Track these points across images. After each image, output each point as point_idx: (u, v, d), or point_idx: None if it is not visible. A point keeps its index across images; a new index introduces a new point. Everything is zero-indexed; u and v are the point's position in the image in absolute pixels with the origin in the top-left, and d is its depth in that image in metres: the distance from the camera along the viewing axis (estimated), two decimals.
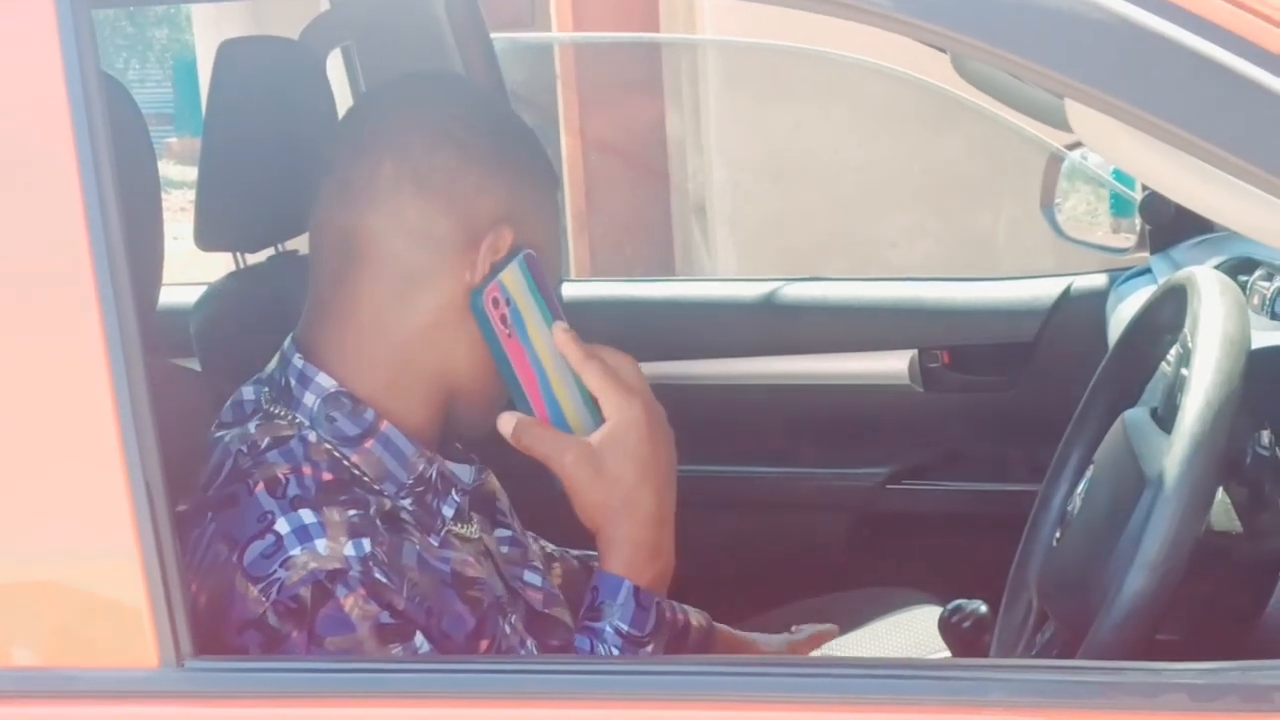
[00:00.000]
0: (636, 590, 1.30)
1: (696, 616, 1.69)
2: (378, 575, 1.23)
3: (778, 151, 5.48)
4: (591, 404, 1.32)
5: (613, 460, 1.29)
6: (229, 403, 1.38)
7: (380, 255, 1.31)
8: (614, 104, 6.29)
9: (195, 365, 1.94)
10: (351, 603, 1.21)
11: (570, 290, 2.63)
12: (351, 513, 1.26)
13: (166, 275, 1.52)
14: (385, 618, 1.21)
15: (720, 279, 5.04)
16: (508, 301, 1.31)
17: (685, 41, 6.01)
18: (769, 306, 2.58)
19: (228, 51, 1.87)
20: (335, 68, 2.38)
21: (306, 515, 1.24)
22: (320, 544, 1.22)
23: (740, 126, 5.54)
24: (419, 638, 1.24)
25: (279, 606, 1.20)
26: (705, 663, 1.33)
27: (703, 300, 2.67)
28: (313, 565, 1.21)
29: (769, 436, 2.55)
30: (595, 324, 2.55)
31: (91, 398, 1.10)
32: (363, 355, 1.33)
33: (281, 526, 1.24)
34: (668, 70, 6.26)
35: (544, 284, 1.34)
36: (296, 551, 1.22)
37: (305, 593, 1.21)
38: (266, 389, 1.36)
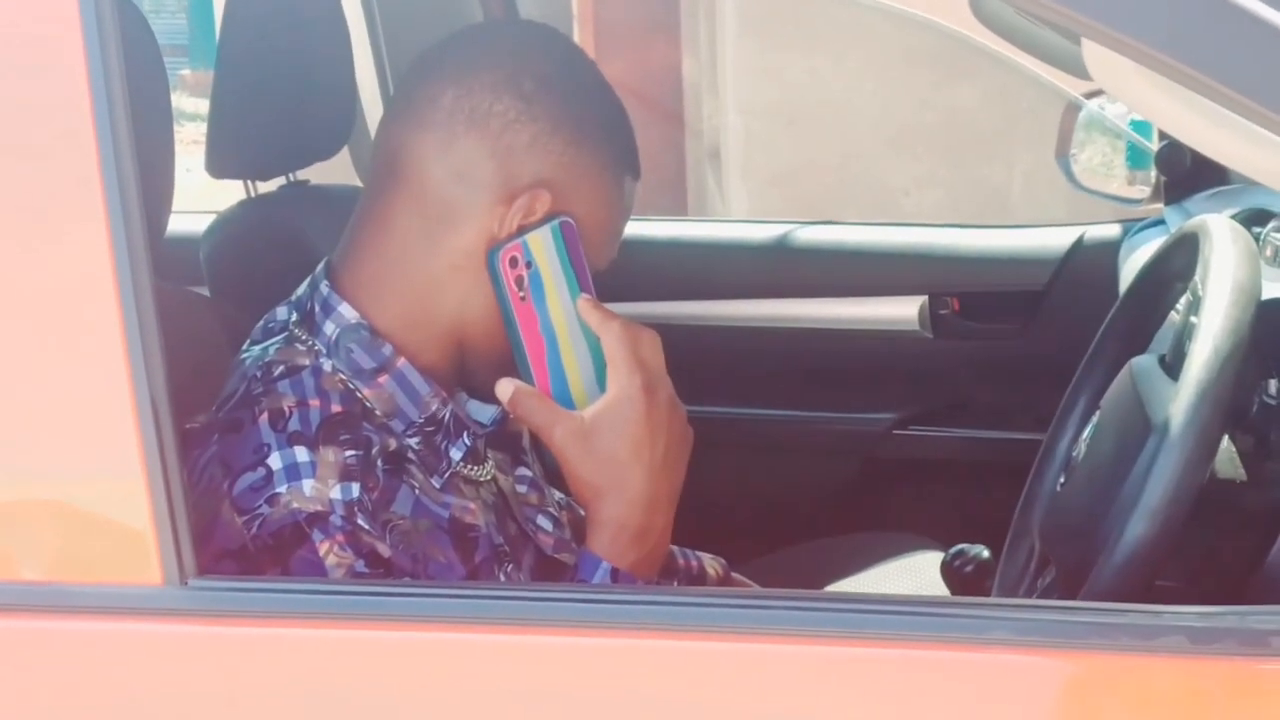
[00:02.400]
0: (614, 572, 1.27)
1: (712, 564, 1.69)
2: (361, 521, 1.22)
3: (792, 97, 5.46)
4: (604, 382, 1.29)
5: (604, 437, 1.26)
6: (262, 320, 1.37)
7: (419, 181, 1.30)
8: (630, 46, 6.26)
9: (206, 291, 1.94)
10: (327, 548, 1.20)
11: None
12: (349, 453, 1.25)
13: (180, 204, 1.51)
14: (361, 566, 1.21)
15: (730, 220, 5.04)
16: (529, 264, 1.29)
17: None
18: (779, 249, 2.57)
19: None
20: (350, 3, 2.37)
21: (300, 453, 1.23)
22: (307, 485, 1.22)
23: (755, 72, 5.53)
24: None
25: (258, 541, 1.20)
26: (708, 595, 1.34)
27: (712, 241, 2.67)
28: (294, 505, 1.21)
29: (777, 379, 2.55)
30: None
31: (100, 319, 1.10)
32: (385, 287, 1.32)
33: (274, 461, 1.23)
34: (684, 12, 6.23)
35: (577, 255, 1.31)
36: (282, 489, 1.21)
37: (284, 532, 1.20)
38: (295, 313, 1.35)
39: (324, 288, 1.34)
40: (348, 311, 1.32)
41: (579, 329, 1.30)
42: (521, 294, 1.29)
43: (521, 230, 1.29)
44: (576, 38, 6.25)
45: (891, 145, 5.31)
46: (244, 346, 1.36)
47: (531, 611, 1.12)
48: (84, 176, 1.10)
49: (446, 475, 1.33)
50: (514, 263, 1.28)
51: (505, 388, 1.29)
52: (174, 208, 1.49)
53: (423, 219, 1.30)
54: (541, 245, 1.29)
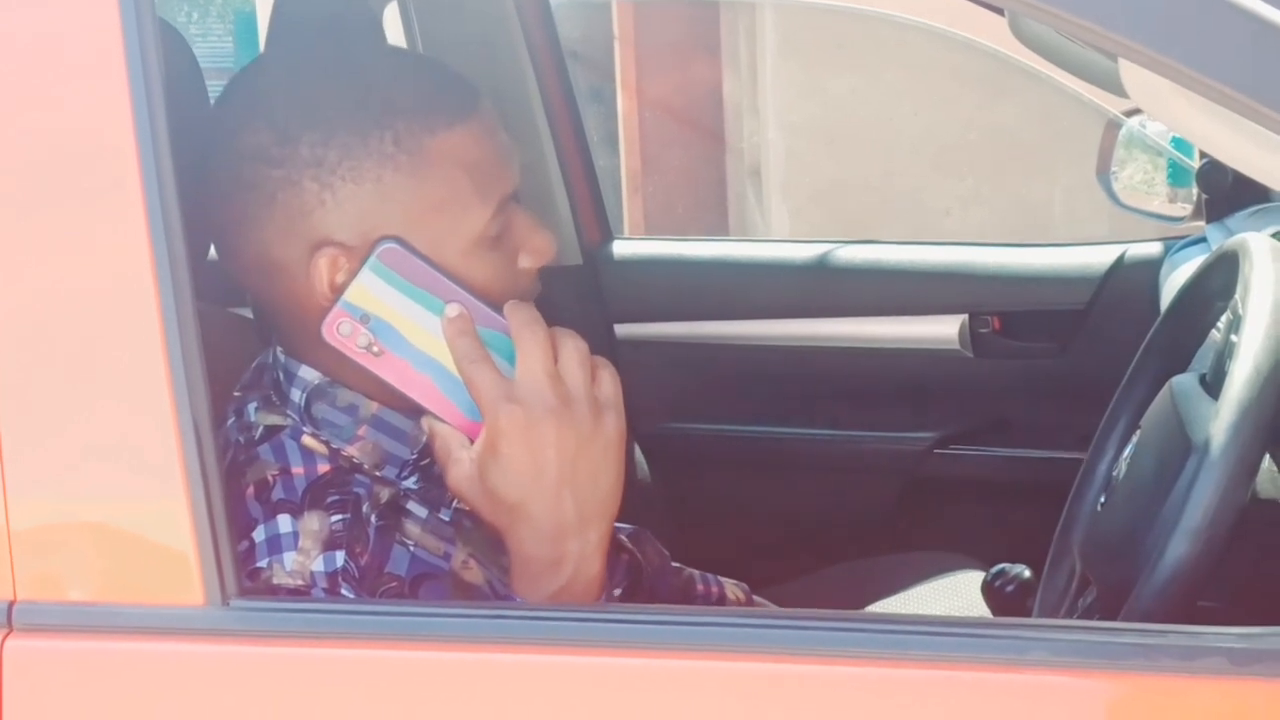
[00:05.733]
0: None
1: (734, 590, 1.63)
2: (345, 592, 1.17)
3: (832, 116, 5.47)
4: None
5: (492, 475, 1.17)
6: (254, 364, 1.33)
7: (258, 278, 1.26)
8: (671, 64, 6.28)
9: (248, 313, 1.95)
10: None
11: (622, 248, 2.63)
12: (335, 518, 1.19)
13: None
14: None
15: (771, 240, 5.04)
16: (364, 319, 1.18)
17: (743, 1, 5.99)
18: (820, 268, 2.57)
19: (285, 4, 1.88)
20: (392, 21, 2.39)
21: (284, 523, 1.19)
22: (288, 558, 1.17)
23: (796, 90, 5.53)
24: None
25: None
26: (749, 616, 1.33)
27: (753, 261, 2.67)
28: (275, 581, 1.17)
29: (817, 398, 2.55)
30: (645, 281, 2.57)
31: (142, 340, 1.11)
32: (322, 349, 1.23)
33: (258, 534, 1.19)
34: (725, 31, 6.24)
35: (418, 271, 1.18)
36: (264, 563, 1.18)
37: None
38: (267, 378, 1.30)
39: (280, 354, 1.28)
40: (308, 373, 1.26)
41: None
42: (376, 350, 1.19)
43: (339, 289, 1.19)
44: (618, 58, 6.28)
45: (932, 164, 5.30)
46: (237, 386, 1.32)
47: (577, 632, 1.12)
48: (126, 199, 1.11)
49: (454, 506, 1.27)
50: (347, 328, 1.18)
51: (424, 426, 1.22)
52: None
53: (293, 298, 1.24)
54: (366, 294, 1.18)
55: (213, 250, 1.47)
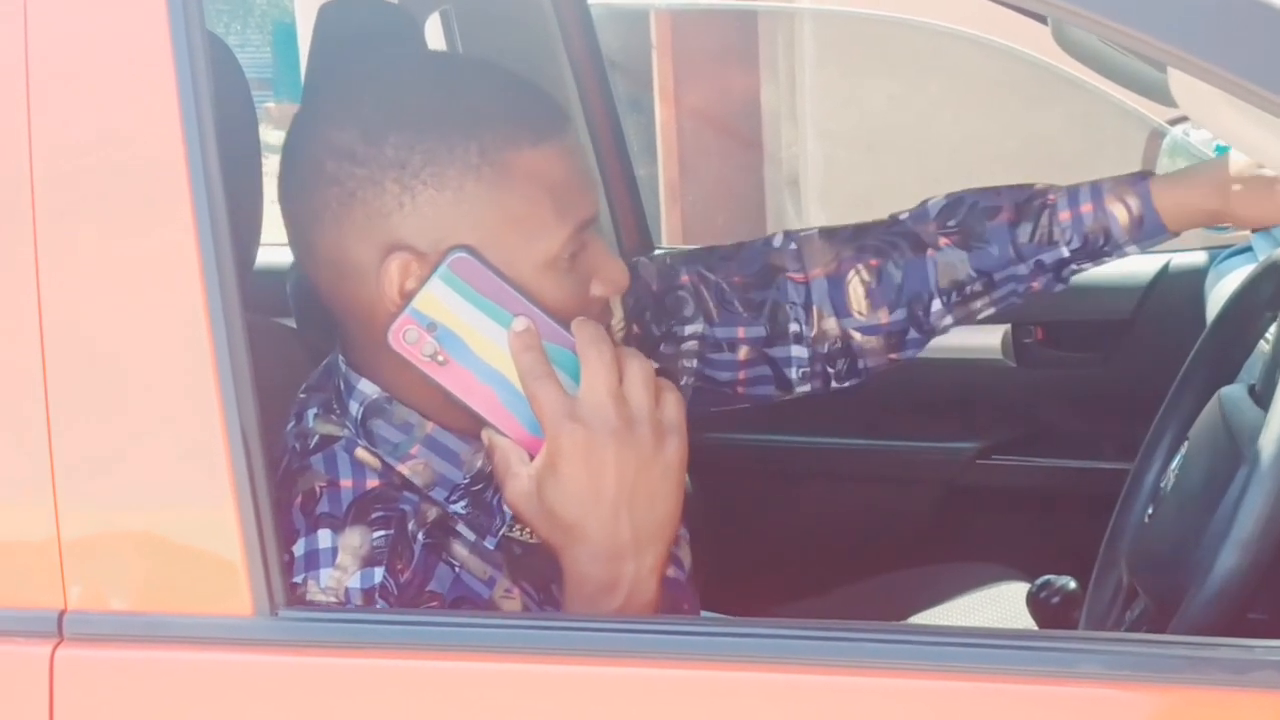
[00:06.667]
0: None
1: None
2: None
3: (872, 125, 5.45)
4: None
5: (550, 494, 1.16)
6: (323, 365, 1.34)
7: (329, 277, 1.24)
8: (709, 73, 6.28)
9: (291, 323, 1.96)
10: None
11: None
12: (377, 534, 1.19)
13: (267, 237, 1.53)
14: None
15: None
16: (431, 327, 1.18)
17: (782, 10, 5.99)
18: None
19: (328, 14, 1.88)
20: (434, 31, 2.39)
21: (324, 538, 1.19)
22: (325, 574, 1.17)
23: (834, 99, 5.53)
24: None
25: None
26: (791, 627, 1.33)
27: None
28: (309, 598, 1.17)
29: (860, 408, 2.54)
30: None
31: (192, 351, 1.12)
32: (384, 355, 1.22)
33: (298, 548, 1.19)
34: (763, 40, 6.24)
35: (487, 283, 1.17)
36: (299, 579, 1.17)
37: None
38: (329, 386, 1.30)
39: (341, 364, 1.28)
40: (367, 387, 1.26)
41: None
42: (441, 359, 1.18)
43: (409, 296, 1.18)
44: (656, 68, 6.28)
45: (972, 172, 5.28)
46: (303, 386, 1.33)
47: (617, 643, 1.12)
48: (175, 210, 1.12)
49: (499, 534, 1.27)
50: (413, 335, 1.18)
51: (484, 439, 1.21)
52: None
53: (360, 301, 1.23)
54: (435, 302, 1.18)
55: (258, 259, 1.49)
